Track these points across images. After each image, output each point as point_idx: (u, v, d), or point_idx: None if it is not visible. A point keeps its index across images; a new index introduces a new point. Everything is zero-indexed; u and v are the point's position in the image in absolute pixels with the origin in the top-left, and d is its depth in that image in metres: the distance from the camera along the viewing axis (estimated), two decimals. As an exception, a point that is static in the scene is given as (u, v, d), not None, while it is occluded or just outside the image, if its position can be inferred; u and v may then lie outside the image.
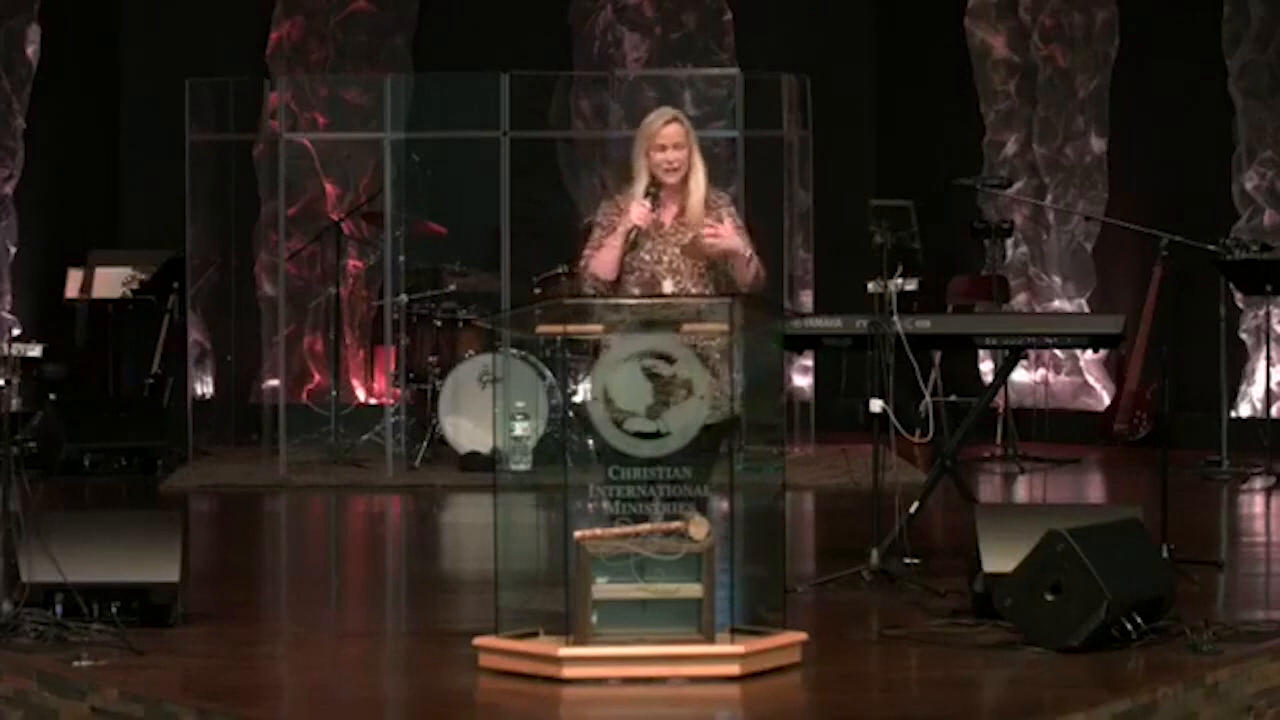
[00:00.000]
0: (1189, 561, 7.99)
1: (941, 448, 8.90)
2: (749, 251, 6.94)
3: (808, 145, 13.11)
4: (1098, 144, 13.97)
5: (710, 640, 6.21)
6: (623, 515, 6.34)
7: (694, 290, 6.89)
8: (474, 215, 12.62)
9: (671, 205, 6.94)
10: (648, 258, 6.89)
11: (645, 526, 6.29)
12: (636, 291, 6.87)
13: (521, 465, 11.59)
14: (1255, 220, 12.95)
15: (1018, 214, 14.06)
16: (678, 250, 6.90)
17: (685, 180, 6.92)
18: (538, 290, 12.11)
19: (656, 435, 6.37)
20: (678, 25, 14.98)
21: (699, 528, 6.25)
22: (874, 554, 7.93)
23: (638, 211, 6.84)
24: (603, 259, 6.90)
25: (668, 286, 6.87)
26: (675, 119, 6.90)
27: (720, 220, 6.92)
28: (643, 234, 6.89)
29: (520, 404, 11.66)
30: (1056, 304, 14.05)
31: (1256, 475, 11.44)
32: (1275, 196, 12.96)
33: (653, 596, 6.19)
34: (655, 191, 6.89)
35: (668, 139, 6.85)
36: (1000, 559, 6.99)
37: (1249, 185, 13.04)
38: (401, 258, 12.43)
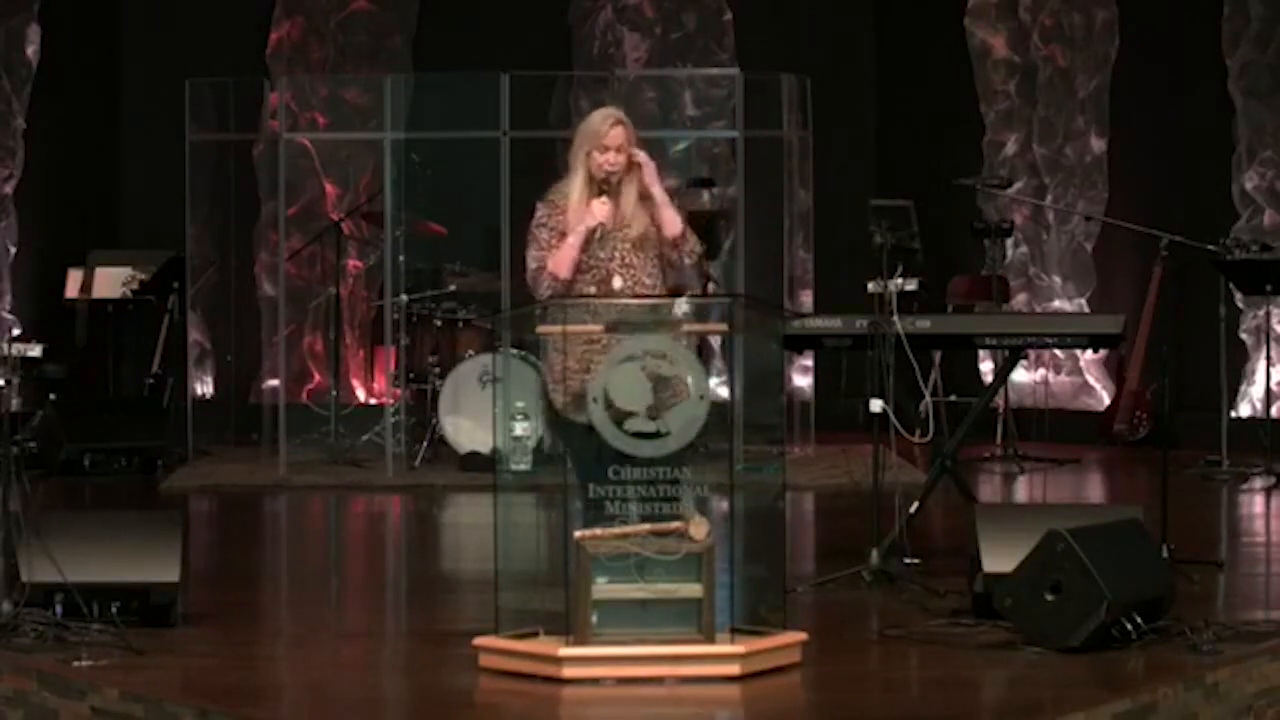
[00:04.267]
0: (1189, 561, 8.00)
1: (941, 448, 8.90)
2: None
3: (808, 145, 13.10)
4: (1098, 144, 13.97)
5: (710, 640, 6.21)
6: (623, 515, 6.34)
7: (647, 283, 6.90)
8: (474, 215, 12.62)
9: (612, 203, 6.95)
10: (602, 254, 6.89)
11: (645, 526, 6.29)
12: (591, 289, 6.87)
13: (521, 465, 11.59)
14: (1255, 220, 12.94)
15: (1018, 214, 14.05)
16: (628, 245, 6.90)
17: (621, 179, 6.93)
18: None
19: (656, 435, 6.38)
20: (678, 25, 14.98)
21: (699, 528, 6.25)
22: (874, 554, 7.93)
23: (602, 210, 6.85)
24: (562, 258, 6.87)
25: (618, 283, 6.87)
26: (620, 121, 6.91)
27: (649, 181, 6.91)
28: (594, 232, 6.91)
29: (520, 404, 11.66)
30: (1056, 304, 14.05)
31: (1256, 475, 11.44)
32: (1275, 196, 12.96)
33: (653, 596, 6.19)
34: (607, 189, 6.90)
35: (613, 141, 6.87)
36: (1000, 559, 7.00)
37: (1249, 185, 13.03)
38: (401, 258, 12.43)
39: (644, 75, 14.57)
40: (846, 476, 11.19)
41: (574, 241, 6.87)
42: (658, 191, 6.91)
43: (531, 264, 6.95)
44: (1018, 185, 14.03)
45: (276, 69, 14.49)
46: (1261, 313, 12.67)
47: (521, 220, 12.18)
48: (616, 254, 6.89)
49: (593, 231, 6.85)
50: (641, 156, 6.90)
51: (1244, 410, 12.84)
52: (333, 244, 13.21)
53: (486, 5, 14.77)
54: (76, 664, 6.42)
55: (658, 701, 6.08)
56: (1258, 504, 10.85)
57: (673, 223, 6.90)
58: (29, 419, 12.17)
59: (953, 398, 12.72)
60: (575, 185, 6.93)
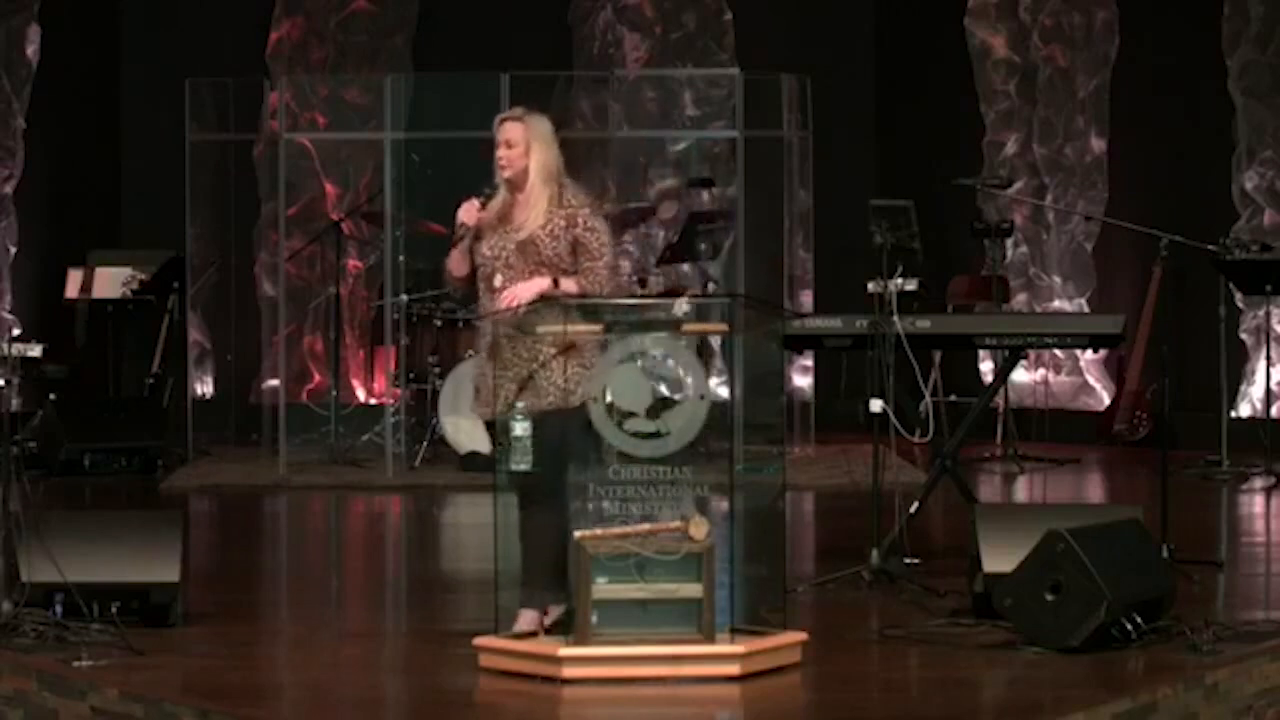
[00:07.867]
0: (1189, 561, 8.00)
1: (941, 448, 8.90)
2: (571, 284, 6.86)
3: (808, 145, 13.10)
4: (1098, 144, 13.96)
5: (710, 640, 6.21)
6: (623, 515, 6.35)
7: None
8: (474, 215, 12.60)
9: (507, 199, 6.99)
10: (489, 252, 6.97)
11: (645, 526, 6.30)
12: (482, 285, 6.96)
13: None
14: (1255, 220, 12.94)
15: (1018, 214, 14.05)
16: (512, 246, 6.92)
17: (524, 179, 6.93)
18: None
19: (656, 435, 6.38)
20: (678, 25, 14.97)
21: (699, 528, 6.25)
22: (874, 554, 7.94)
23: (464, 210, 6.98)
24: (452, 256, 7.05)
25: (498, 280, 6.92)
26: (510, 118, 6.98)
27: (573, 221, 6.88)
28: (486, 229, 6.96)
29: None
30: (1056, 304, 14.05)
31: (1256, 475, 11.44)
32: (1275, 196, 12.96)
33: (653, 596, 6.20)
34: (490, 192, 6.97)
35: (500, 137, 6.96)
36: (1000, 559, 7.00)
37: (1249, 185, 13.03)
38: (401, 258, 12.43)
39: (644, 75, 14.57)
40: (846, 476, 11.19)
41: (456, 240, 6.99)
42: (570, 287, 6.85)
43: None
44: (1018, 185, 14.03)
45: (276, 69, 14.48)
46: (1261, 313, 12.67)
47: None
48: (502, 253, 6.93)
49: (459, 230, 6.97)
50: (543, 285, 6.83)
51: (1244, 410, 12.84)
52: (333, 244, 13.20)
53: (486, 5, 14.76)
54: (76, 664, 6.43)
55: (658, 701, 6.08)
56: (1258, 504, 10.85)
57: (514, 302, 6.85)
58: (29, 419, 12.17)
59: (953, 398, 12.72)
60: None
